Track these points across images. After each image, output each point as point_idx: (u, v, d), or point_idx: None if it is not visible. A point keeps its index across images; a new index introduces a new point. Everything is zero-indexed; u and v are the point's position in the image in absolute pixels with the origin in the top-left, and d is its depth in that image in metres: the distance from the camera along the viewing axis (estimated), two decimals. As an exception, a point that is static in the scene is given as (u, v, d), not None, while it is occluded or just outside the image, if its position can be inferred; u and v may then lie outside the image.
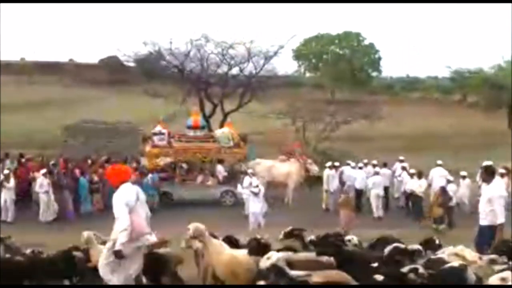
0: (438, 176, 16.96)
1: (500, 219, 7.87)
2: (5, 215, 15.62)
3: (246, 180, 16.54)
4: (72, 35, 63.37)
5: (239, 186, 16.49)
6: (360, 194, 17.39)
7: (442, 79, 51.21)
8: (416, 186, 16.45)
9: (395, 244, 7.01)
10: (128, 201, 6.46)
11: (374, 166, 17.92)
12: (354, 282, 5.77)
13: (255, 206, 14.67)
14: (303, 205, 17.98)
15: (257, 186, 14.99)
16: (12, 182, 15.88)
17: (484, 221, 8.07)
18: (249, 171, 17.14)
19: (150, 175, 17.07)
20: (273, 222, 13.83)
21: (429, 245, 7.62)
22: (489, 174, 8.50)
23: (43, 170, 16.25)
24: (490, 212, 8.15)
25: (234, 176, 18.34)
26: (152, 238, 7.02)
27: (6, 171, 16.27)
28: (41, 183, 15.82)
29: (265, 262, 5.93)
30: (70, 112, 30.16)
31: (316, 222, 15.06)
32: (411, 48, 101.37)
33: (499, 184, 8.64)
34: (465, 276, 5.79)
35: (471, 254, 6.76)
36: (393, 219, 15.84)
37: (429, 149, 26.71)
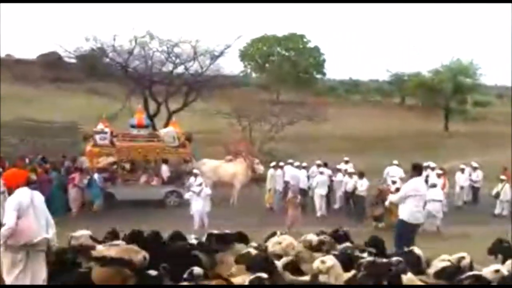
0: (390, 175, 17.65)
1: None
2: None
3: (191, 180, 16.50)
4: (9, 29, 60.51)
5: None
6: (304, 193, 17.51)
7: (383, 82, 52.96)
8: (358, 186, 16.87)
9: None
10: (20, 205, 6.52)
11: (318, 166, 18.22)
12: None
13: (197, 205, 14.62)
14: (247, 204, 18.06)
15: (200, 184, 14.93)
16: None
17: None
18: (195, 171, 17.06)
19: (96, 175, 16.62)
20: (217, 222, 13.83)
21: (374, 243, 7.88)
22: (416, 171, 9.26)
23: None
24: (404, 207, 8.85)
25: (179, 176, 18.13)
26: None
27: None
28: None
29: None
30: (7, 109, 28.84)
31: (262, 221, 15.31)
32: (354, 52, 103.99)
33: (418, 181, 9.30)
34: None
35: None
36: (336, 218, 16.16)
37: (371, 150, 27.53)
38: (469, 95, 43.15)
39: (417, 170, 9.42)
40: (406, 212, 9.11)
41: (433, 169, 17.75)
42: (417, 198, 9.19)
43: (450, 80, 38.85)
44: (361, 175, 17.09)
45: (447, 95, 39.15)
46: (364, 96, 52.36)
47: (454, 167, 20.51)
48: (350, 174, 17.50)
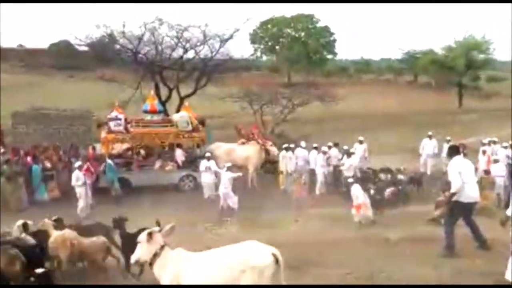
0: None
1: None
2: None
3: (203, 163, 16.56)
4: (21, 20, 60.40)
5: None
6: (313, 174, 17.62)
7: (395, 61, 52.39)
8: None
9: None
10: None
11: (329, 147, 18.09)
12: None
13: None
14: (262, 187, 18.01)
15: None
16: None
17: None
18: (207, 154, 17.05)
19: (109, 161, 16.67)
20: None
21: None
22: (454, 152, 8.96)
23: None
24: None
25: (193, 161, 18.13)
26: None
27: None
28: None
29: None
30: (19, 99, 28.99)
31: (276, 203, 15.29)
32: (365, 31, 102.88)
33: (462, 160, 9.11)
34: None
35: None
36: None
37: (384, 129, 27.31)
38: (482, 71, 42.55)
39: (455, 150, 9.15)
40: (462, 193, 8.66)
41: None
42: (469, 177, 8.87)
43: (463, 56, 38.30)
44: (348, 154, 17.23)
45: (460, 72, 38.63)
46: (376, 75, 51.88)
47: (472, 143, 20.30)
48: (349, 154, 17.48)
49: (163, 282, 5.97)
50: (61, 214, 14.18)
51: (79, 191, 15.07)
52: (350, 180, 14.21)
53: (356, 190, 13.29)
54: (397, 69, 50.99)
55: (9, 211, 14.86)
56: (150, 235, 6.05)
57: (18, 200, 15.62)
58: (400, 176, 16.26)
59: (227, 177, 15.15)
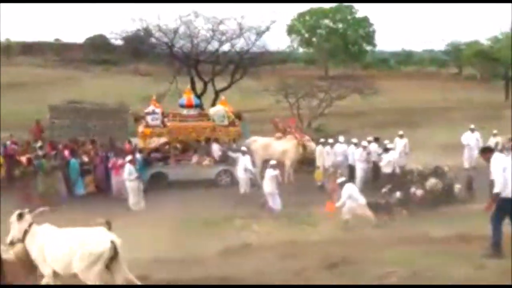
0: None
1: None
2: None
3: (241, 160, 16.34)
4: (58, 15, 61.84)
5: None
6: (352, 169, 17.21)
7: (438, 52, 50.93)
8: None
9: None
10: None
11: (369, 142, 17.57)
12: None
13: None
14: (298, 182, 17.67)
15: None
16: None
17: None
18: (243, 148, 16.79)
19: (138, 155, 16.64)
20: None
21: None
22: (487, 153, 8.51)
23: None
24: None
25: (230, 156, 17.90)
26: None
27: None
28: None
29: None
30: (56, 93, 29.49)
31: (313, 199, 14.91)
32: (406, 21, 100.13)
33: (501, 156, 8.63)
34: None
35: None
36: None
37: (426, 123, 26.45)
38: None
39: (487, 152, 8.67)
40: (507, 189, 8.22)
41: None
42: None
43: (509, 48, 36.74)
44: (386, 150, 16.79)
45: (506, 64, 37.11)
46: (418, 68, 50.49)
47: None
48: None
49: (33, 255, 6.68)
50: (99, 209, 14.37)
51: (131, 185, 15.12)
52: (342, 179, 13.60)
53: (349, 191, 12.84)
54: (440, 61, 49.53)
55: (47, 206, 15.01)
56: (20, 215, 6.80)
57: (56, 194, 15.74)
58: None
59: (269, 175, 14.83)
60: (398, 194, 14.04)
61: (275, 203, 14.66)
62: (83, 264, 6.23)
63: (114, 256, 6.27)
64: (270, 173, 14.87)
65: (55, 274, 6.52)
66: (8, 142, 17.86)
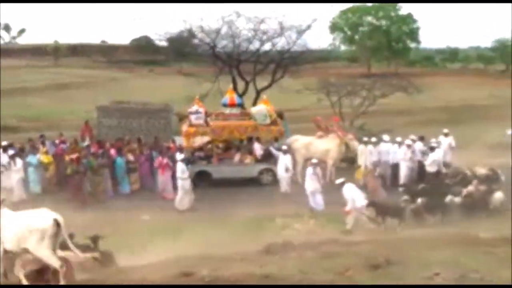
0: None
1: None
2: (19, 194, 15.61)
3: (282, 159, 16.37)
4: (104, 17, 63.66)
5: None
6: (395, 168, 16.99)
7: (484, 49, 49.36)
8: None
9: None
10: None
11: (413, 141, 17.27)
12: None
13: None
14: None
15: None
16: (19, 164, 15.94)
17: None
18: (283, 147, 16.81)
19: (179, 154, 16.93)
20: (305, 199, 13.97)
21: None
22: None
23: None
24: None
25: (272, 154, 17.98)
26: None
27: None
28: None
29: None
30: (103, 93, 30.32)
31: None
32: (451, 18, 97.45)
33: None
34: None
35: None
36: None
37: (473, 121, 25.74)
38: None
39: None
40: None
41: None
42: None
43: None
44: (431, 148, 16.51)
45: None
46: (464, 65, 49.05)
47: None
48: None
49: None
50: (143, 206, 14.72)
51: (183, 183, 15.36)
52: (340, 180, 13.31)
53: (349, 192, 12.65)
54: (487, 58, 47.91)
55: (95, 202, 15.53)
56: None
57: (103, 192, 16.23)
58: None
59: (309, 173, 14.82)
60: (419, 200, 13.28)
61: (316, 202, 14.66)
62: (32, 239, 7.26)
63: (57, 232, 7.37)
64: (310, 171, 14.86)
65: (6, 251, 7.49)
66: (57, 141, 18.51)
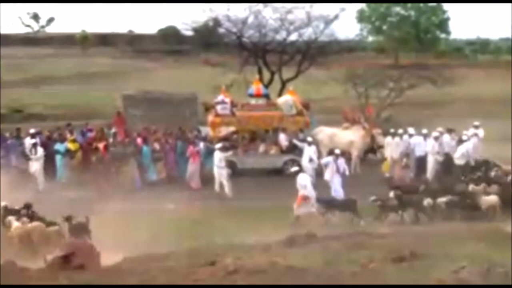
0: None
1: None
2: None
3: (306, 150, 16.29)
4: (131, 6, 64.42)
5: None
6: (422, 161, 16.71)
7: (515, 41, 48.04)
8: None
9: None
10: None
11: (441, 133, 16.97)
12: None
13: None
14: (366, 173, 17.49)
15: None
16: (40, 153, 16.23)
17: None
18: (308, 139, 16.75)
19: (202, 144, 17.07)
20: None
21: None
22: None
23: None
24: None
25: (297, 145, 17.93)
26: None
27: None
28: None
29: None
30: (129, 83, 30.60)
31: (379, 190, 14.60)
32: (482, 8, 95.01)
33: None
34: None
35: None
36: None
37: (504, 114, 25.13)
38: None
39: None
40: None
41: None
42: None
43: None
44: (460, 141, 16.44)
45: None
46: (495, 56, 47.85)
47: None
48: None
49: None
50: (167, 195, 14.86)
51: (221, 172, 15.53)
52: (295, 169, 13.44)
53: (303, 180, 12.68)
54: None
55: (122, 190, 15.74)
56: None
57: (131, 180, 16.43)
58: None
59: (328, 163, 14.88)
60: (443, 199, 12.88)
61: (336, 190, 14.53)
62: None
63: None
64: (330, 161, 14.92)
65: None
66: (84, 130, 18.78)
